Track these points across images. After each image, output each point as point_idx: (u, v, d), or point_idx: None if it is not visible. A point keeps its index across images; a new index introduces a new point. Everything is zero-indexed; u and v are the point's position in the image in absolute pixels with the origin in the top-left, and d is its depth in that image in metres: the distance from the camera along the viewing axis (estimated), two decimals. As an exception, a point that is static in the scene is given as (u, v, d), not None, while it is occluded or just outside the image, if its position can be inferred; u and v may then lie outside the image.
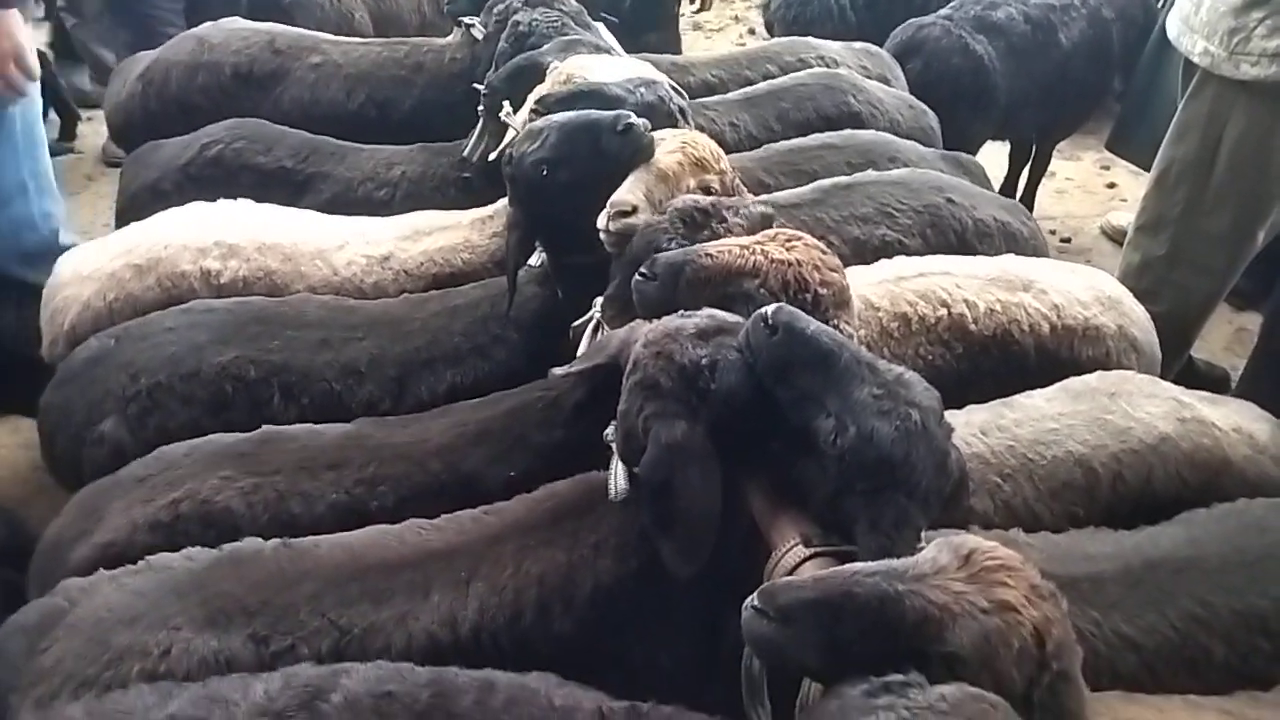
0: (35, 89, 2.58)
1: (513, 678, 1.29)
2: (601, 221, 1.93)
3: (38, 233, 2.76)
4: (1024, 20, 3.90)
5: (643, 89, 2.34)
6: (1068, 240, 4.74)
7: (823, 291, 1.50)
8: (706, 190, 1.99)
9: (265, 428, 1.84)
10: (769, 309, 1.34)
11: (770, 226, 1.78)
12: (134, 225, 2.40)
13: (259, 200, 2.47)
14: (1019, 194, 4.52)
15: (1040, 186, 4.69)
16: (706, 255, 1.55)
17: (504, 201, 2.48)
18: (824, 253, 1.57)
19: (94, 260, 2.27)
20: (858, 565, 1.14)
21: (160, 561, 1.50)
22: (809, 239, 1.59)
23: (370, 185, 2.78)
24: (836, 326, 1.48)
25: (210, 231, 2.30)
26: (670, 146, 2.02)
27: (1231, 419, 2.00)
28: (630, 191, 1.93)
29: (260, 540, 1.54)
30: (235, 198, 2.46)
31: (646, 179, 1.96)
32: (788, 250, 1.54)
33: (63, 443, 2.03)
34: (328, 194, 2.75)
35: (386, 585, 1.47)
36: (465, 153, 2.70)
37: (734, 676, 1.35)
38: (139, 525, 1.64)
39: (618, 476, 1.49)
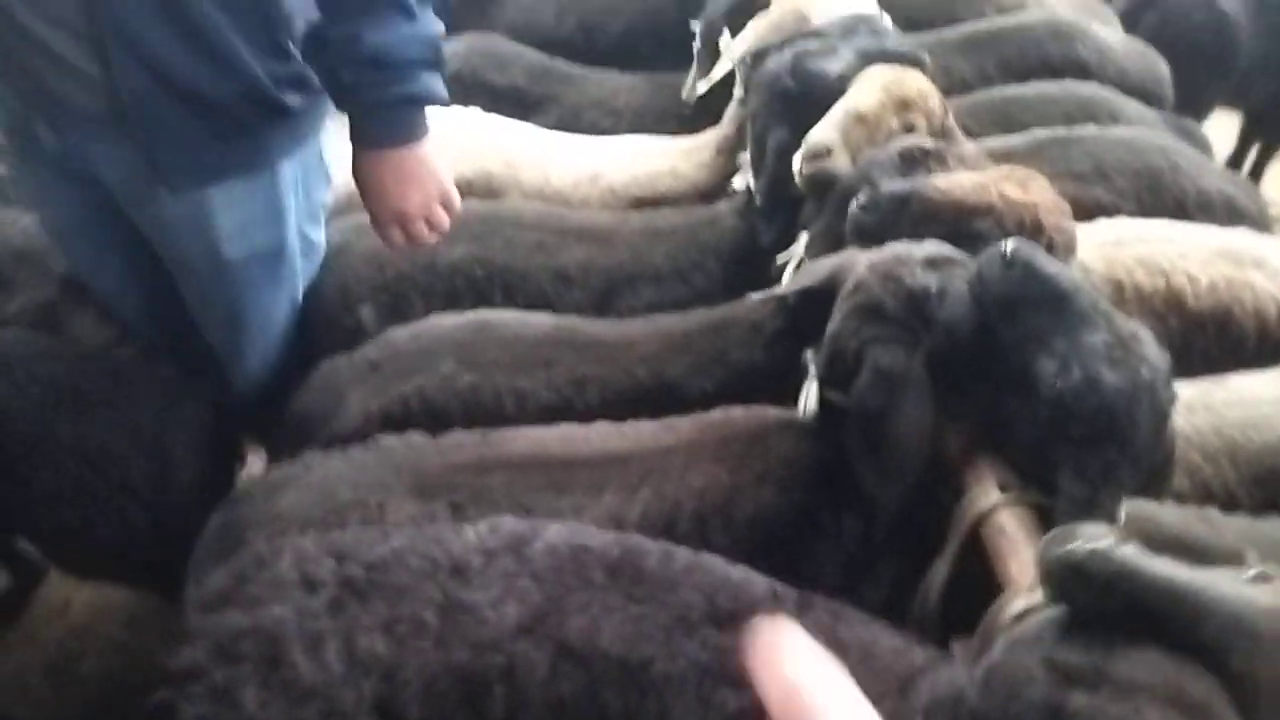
0: None
1: (689, 550, 1.35)
2: (796, 163, 1.93)
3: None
4: (1278, -23, 3.55)
5: (861, 28, 2.31)
6: (1295, 228, 4.35)
7: (1057, 238, 1.47)
8: (909, 130, 1.94)
9: (479, 312, 1.97)
10: (1009, 243, 1.32)
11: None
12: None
13: (489, 115, 2.58)
14: (1245, 171, 4.17)
15: (1270, 165, 4.31)
16: (936, 189, 1.53)
17: (713, 132, 2.52)
18: (1057, 197, 1.52)
19: (338, 153, 2.46)
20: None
21: (385, 442, 1.68)
22: (1042, 181, 1.54)
23: (596, 112, 2.84)
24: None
25: (443, 132, 2.43)
26: (872, 85, 1.96)
27: None
28: (826, 133, 1.90)
29: (465, 432, 1.69)
30: (467, 108, 2.58)
31: (844, 120, 1.92)
32: (1023, 191, 1.50)
33: (319, 328, 2.13)
34: (554, 117, 2.83)
35: (568, 479, 1.58)
36: (684, 94, 2.73)
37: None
38: (372, 417, 1.81)
39: (810, 397, 1.53)
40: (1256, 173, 4.22)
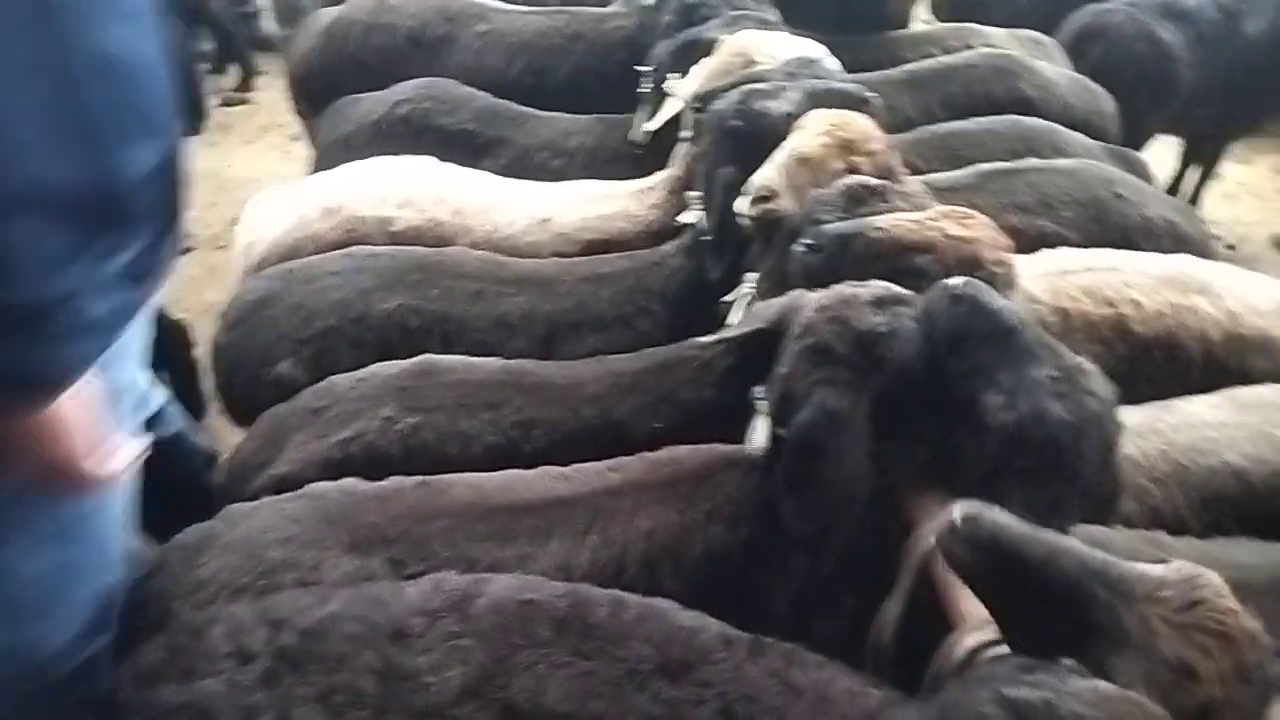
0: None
1: (640, 598, 1.34)
2: (741, 204, 1.93)
3: None
4: (1214, 8, 3.67)
5: (805, 70, 2.33)
6: (1232, 247, 4.49)
7: (997, 271, 1.48)
8: (854, 173, 1.94)
9: (425, 356, 1.92)
10: (957, 281, 1.34)
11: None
12: (324, 173, 2.55)
13: (441, 160, 2.56)
14: (1185, 195, 4.29)
15: (1208, 189, 4.44)
16: (877, 228, 1.54)
17: (663, 173, 2.53)
18: (996, 232, 1.54)
19: (287, 201, 2.43)
20: (1080, 547, 1.09)
21: (316, 490, 1.60)
22: (981, 217, 1.57)
23: (547, 154, 2.83)
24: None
25: (391, 182, 2.42)
26: (816, 129, 1.97)
27: None
28: (769, 175, 1.92)
29: (404, 478, 1.63)
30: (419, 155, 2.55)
31: (788, 162, 1.93)
32: (963, 227, 1.52)
33: (240, 384, 2.11)
34: (505, 159, 2.81)
35: (512, 527, 1.54)
36: (630, 135, 2.74)
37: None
38: (312, 462, 1.75)
39: (759, 433, 1.52)
40: (1194, 196, 4.34)
